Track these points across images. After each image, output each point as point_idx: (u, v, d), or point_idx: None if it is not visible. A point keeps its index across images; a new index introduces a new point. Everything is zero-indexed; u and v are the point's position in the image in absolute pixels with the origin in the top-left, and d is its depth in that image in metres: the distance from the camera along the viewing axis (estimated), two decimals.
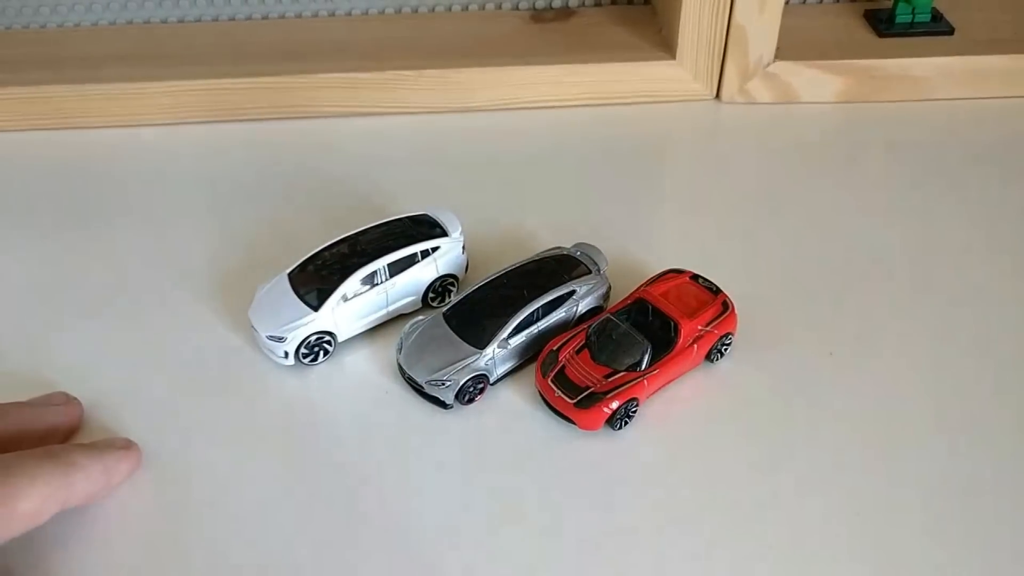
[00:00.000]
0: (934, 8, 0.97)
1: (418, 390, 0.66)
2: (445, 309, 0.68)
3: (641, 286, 0.69)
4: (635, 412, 0.64)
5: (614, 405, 0.62)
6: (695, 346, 0.66)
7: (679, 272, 0.70)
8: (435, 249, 0.71)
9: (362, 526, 0.59)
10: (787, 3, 0.91)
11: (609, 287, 0.71)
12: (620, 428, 0.64)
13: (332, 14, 1.03)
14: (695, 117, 0.95)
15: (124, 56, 0.96)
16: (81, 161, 0.90)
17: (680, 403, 0.66)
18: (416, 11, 1.03)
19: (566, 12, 1.03)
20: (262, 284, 0.70)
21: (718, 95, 0.96)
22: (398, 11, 1.03)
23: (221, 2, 1.01)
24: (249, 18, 1.02)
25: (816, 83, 0.95)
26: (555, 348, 0.65)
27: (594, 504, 0.60)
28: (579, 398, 0.62)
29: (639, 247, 0.78)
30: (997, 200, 0.84)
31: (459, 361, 0.64)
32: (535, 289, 0.67)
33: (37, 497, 0.53)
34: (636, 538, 0.58)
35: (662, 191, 0.88)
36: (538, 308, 0.67)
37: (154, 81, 0.92)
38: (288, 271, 0.70)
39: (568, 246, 0.73)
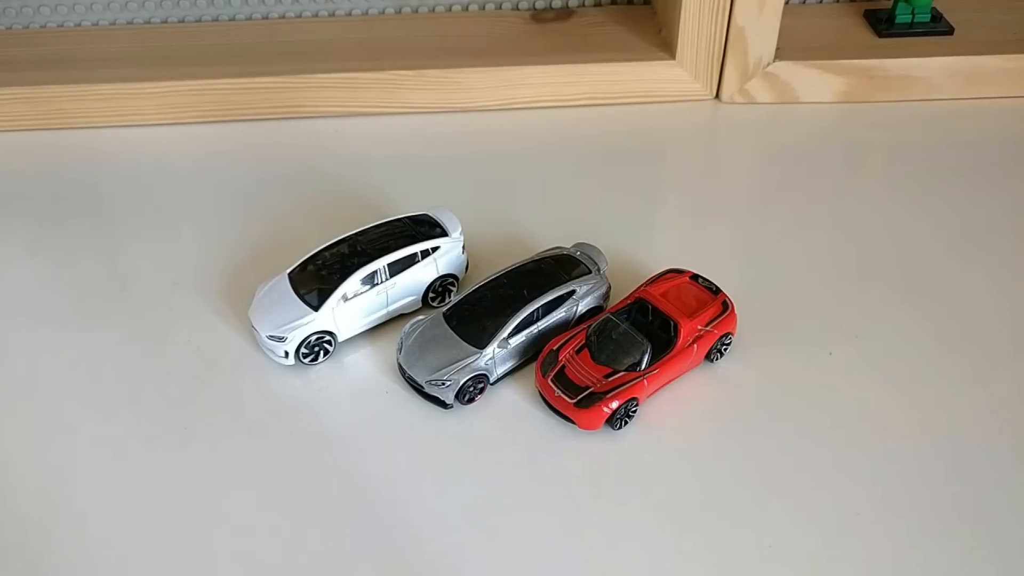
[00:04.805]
0: (934, 8, 0.97)
1: (418, 390, 0.66)
2: (445, 309, 0.68)
3: (641, 286, 0.69)
4: (635, 412, 0.64)
5: (614, 405, 0.62)
6: (695, 346, 0.66)
7: (679, 272, 0.70)
8: (435, 249, 0.71)
9: (362, 526, 0.59)
10: (787, 3, 0.91)
11: (609, 287, 0.71)
12: (620, 428, 0.64)
13: (332, 14, 1.02)
14: (695, 117, 0.95)
15: (124, 56, 0.96)
16: (81, 161, 0.90)
17: (680, 403, 0.66)
18: (416, 11, 1.03)
19: (566, 12, 1.03)
20: (262, 284, 0.70)
21: (718, 95, 0.96)
22: (398, 11, 1.03)
23: (221, 2, 1.01)
24: (249, 18, 1.02)
25: (816, 83, 0.95)
26: (555, 348, 0.65)
27: (594, 504, 0.60)
28: (579, 398, 0.62)
29: (639, 247, 0.78)
30: (997, 200, 0.84)
31: (459, 361, 0.64)
32: (535, 289, 0.67)
33: None
34: (636, 538, 0.58)
35: (662, 191, 0.88)
36: (538, 308, 0.67)
37: (154, 81, 0.92)
38: (288, 271, 0.70)
39: (568, 246, 0.73)
